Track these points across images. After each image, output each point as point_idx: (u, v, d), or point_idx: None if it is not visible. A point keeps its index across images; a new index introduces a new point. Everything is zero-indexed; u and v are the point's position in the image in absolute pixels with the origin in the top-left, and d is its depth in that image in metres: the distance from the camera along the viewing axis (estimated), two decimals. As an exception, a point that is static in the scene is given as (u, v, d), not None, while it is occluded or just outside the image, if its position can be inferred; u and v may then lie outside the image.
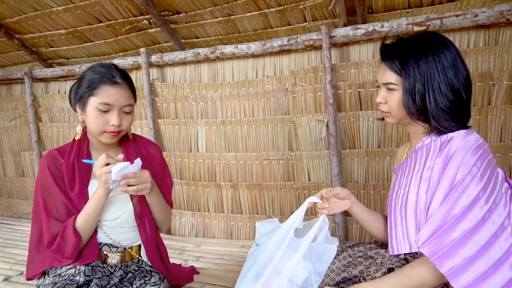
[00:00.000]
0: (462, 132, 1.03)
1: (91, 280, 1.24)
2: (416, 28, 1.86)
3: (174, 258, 1.96)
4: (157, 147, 1.55)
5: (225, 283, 1.70)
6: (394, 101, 1.11)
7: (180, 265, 1.83)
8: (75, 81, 3.21)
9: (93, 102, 1.27)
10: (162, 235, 1.63)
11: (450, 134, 1.04)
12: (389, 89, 1.12)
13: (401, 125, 1.26)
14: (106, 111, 1.28)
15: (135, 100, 1.38)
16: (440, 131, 1.07)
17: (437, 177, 1.02)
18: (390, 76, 1.10)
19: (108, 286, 1.24)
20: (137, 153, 1.45)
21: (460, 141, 1.00)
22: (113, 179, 1.22)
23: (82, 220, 1.28)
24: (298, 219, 1.20)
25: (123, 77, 1.32)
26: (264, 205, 2.36)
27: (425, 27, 1.84)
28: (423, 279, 0.97)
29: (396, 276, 1.01)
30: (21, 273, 1.94)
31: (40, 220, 1.34)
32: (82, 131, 1.39)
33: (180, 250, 2.21)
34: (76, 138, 1.37)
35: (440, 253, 0.92)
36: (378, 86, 1.17)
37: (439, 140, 1.06)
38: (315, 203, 1.26)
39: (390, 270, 1.12)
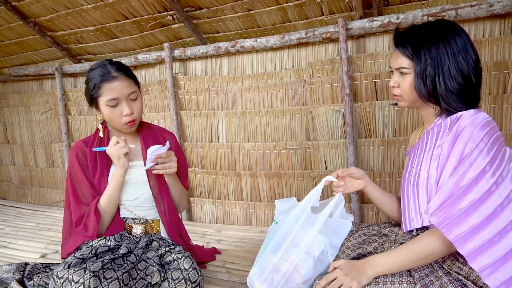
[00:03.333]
0: (471, 110, 1.09)
1: (120, 245, 1.37)
2: (431, 19, 1.90)
3: (196, 241, 2.07)
4: (172, 135, 1.67)
5: (246, 262, 1.79)
6: (406, 85, 1.18)
7: (202, 246, 1.94)
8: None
9: (102, 101, 1.41)
10: (182, 222, 1.75)
11: (459, 113, 1.10)
12: (401, 73, 1.19)
13: (413, 108, 1.32)
14: (115, 105, 1.41)
15: (138, 86, 1.49)
16: (450, 112, 1.14)
17: (447, 152, 1.09)
18: (402, 61, 1.17)
19: (136, 249, 1.36)
20: (154, 140, 1.57)
21: (469, 118, 1.06)
22: (148, 160, 1.39)
23: (105, 199, 1.42)
24: (315, 197, 1.28)
25: (119, 69, 1.43)
26: (282, 193, 2.45)
27: (440, 18, 1.89)
28: (432, 248, 1.03)
29: (406, 246, 1.07)
30: (56, 252, 2.09)
31: (70, 204, 1.48)
32: (103, 125, 1.53)
33: (201, 234, 2.33)
34: (101, 134, 1.52)
35: (447, 221, 0.98)
36: (391, 71, 1.24)
37: (449, 119, 1.13)
38: (331, 181, 1.35)
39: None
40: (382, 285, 1.06)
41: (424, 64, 1.12)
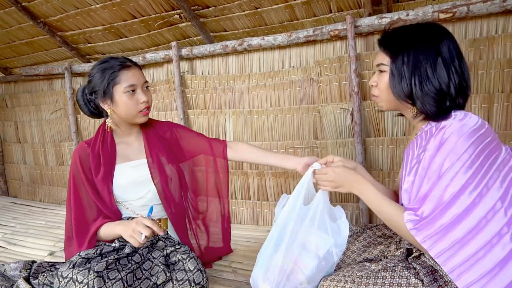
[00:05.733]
0: (458, 116, 1.04)
1: (125, 245, 1.36)
2: (442, 16, 1.86)
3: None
4: (167, 123, 1.66)
5: (252, 262, 1.77)
6: (384, 83, 1.15)
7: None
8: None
9: (119, 89, 1.40)
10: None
11: (446, 121, 1.05)
12: (380, 71, 1.16)
13: (393, 111, 1.28)
14: (133, 92, 1.41)
15: None
16: (427, 115, 1.09)
17: (427, 163, 1.05)
18: (382, 58, 1.15)
19: (141, 248, 1.35)
20: (157, 137, 1.56)
21: (455, 125, 1.02)
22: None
23: (105, 233, 1.39)
24: (304, 189, 1.33)
25: (130, 61, 1.47)
26: (290, 193, 2.41)
27: (451, 14, 1.84)
28: (401, 229, 1.05)
29: (386, 205, 1.11)
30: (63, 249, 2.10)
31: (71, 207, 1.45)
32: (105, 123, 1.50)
33: (208, 234, 2.32)
34: (108, 129, 1.49)
35: (429, 237, 0.96)
36: (374, 72, 1.21)
37: (434, 126, 1.08)
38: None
39: (409, 249, 1.16)
40: (388, 286, 1.04)
41: (401, 62, 1.09)
